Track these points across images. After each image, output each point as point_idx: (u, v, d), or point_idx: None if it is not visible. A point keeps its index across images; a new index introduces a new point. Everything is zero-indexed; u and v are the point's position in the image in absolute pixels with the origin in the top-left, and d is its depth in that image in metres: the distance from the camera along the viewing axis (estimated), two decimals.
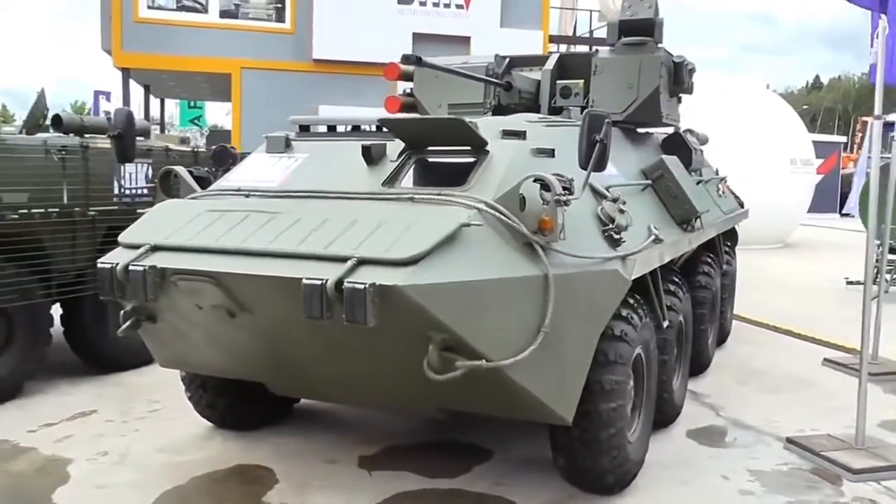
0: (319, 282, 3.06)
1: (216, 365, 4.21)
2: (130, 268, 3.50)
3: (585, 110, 3.83)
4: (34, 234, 5.53)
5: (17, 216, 5.37)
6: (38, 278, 5.56)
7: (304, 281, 3.09)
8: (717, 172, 8.66)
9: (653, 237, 4.53)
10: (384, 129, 4.20)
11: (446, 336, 3.19)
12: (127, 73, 11.00)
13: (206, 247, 3.51)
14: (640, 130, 6.61)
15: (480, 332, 3.24)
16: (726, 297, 7.56)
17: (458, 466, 4.54)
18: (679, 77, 6.13)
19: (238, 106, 11.00)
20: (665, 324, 4.80)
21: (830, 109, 76.15)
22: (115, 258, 3.64)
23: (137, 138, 6.88)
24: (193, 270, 3.42)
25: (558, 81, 6.04)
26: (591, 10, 13.92)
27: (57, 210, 5.67)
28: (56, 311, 6.06)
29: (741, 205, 8.49)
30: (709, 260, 6.64)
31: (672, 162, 5.58)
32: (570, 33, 14.23)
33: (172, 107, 31.47)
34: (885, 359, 7.04)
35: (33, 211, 5.50)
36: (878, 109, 4.61)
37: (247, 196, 4.08)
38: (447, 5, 11.66)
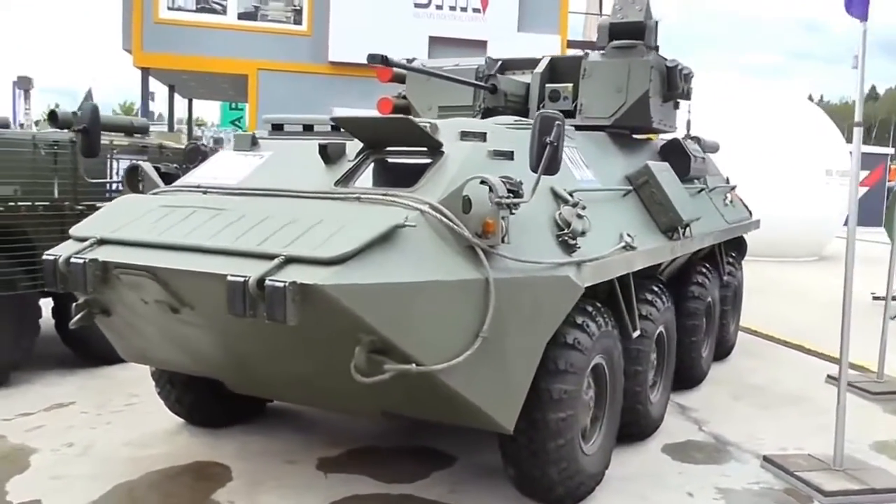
0: (242, 279, 3.03)
1: (172, 360, 4.22)
2: (72, 260, 3.53)
3: (538, 111, 3.73)
4: (21, 226, 5.63)
5: (2, 208, 5.46)
6: (25, 270, 5.64)
7: (229, 278, 3.07)
8: (727, 181, 8.50)
9: (623, 244, 4.43)
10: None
11: (374, 338, 3.13)
12: (146, 73, 11.20)
13: (148, 241, 3.51)
14: (636, 136, 6.50)
15: (411, 335, 3.17)
16: (728, 309, 7.35)
17: (419, 471, 4.47)
18: (673, 82, 5.99)
19: (254, 107, 11.09)
20: (636, 333, 4.67)
21: (885, 121, 74.21)
22: (60, 250, 3.67)
23: (137, 135, 7.02)
24: (130, 264, 3.42)
25: (547, 85, 5.95)
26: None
27: (46, 203, 5.75)
28: (48, 303, 6.16)
29: (751, 214, 8.29)
30: (704, 270, 6.46)
31: (659, 168, 5.45)
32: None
33: (216, 108, 31.92)
34: (892, 377, 6.78)
35: (20, 204, 5.59)
36: (858, 116, 4.42)
37: (204, 193, 4.08)
38: (464, 9, 11.61)
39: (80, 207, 5.92)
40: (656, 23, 5.82)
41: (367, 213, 3.36)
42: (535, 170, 3.56)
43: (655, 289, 5.17)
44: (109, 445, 4.74)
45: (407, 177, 3.84)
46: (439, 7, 11.54)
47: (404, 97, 6.56)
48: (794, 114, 17.19)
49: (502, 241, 3.44)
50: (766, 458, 4.81)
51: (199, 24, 11.08)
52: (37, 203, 5.68)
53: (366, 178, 4.00)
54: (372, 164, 4.07)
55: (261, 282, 3.00)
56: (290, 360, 3.56)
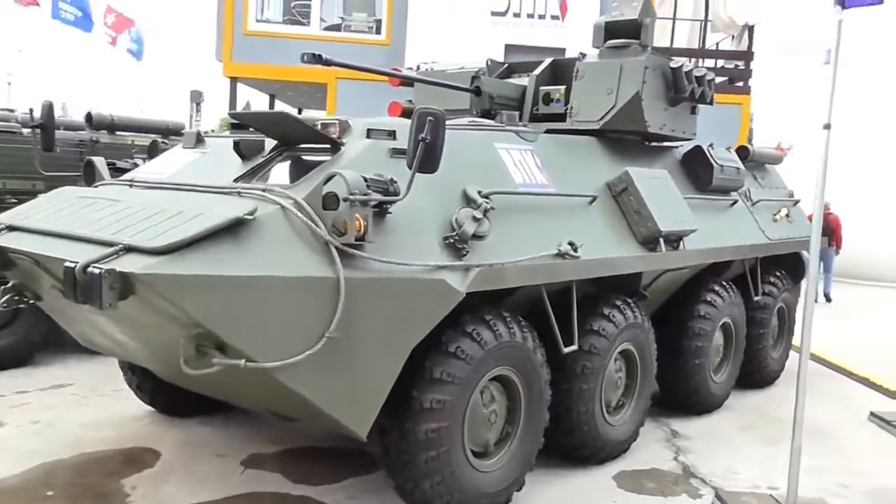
0: (74, 265, 3.12)
1: (104, 346, 4.38)
2: None
3: (417, 109, 3.58)
4: None
5: (16, 200, 5.93)
6: None
7: (66, 263, 3.16)
8: (791, 195, 7.82)
9: (554, 252, 4.17)
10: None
11: (201, 330, 3.12)
12: (234, 83, 11.81)
13: (39, 229, 3.68)
14: (653, 144, 6.11)
15: (241, 329, 3.11)
16: (763, 332, 6.71)
17: (334, 476, 4.40)
18: (679, 84, 5.57)
19: (333, 114, 11.42)
20: (570, 348, 4.36)
21: None
22: None
23: (173, 137, 7.43)
24: (13, 249, 3.61)
25: (541, 87, 5.71)
26: (700, 21, 12.90)
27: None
28: None
29: None
30: (717, 289, 5.92)
31: (642, 176, 5.08)
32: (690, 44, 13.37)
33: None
34: None
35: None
36: (827, 118, 3.90)
37: (130, 186, 4.23)
38: (542, 16, 11.37)
39: None
40: (651, 21, 5.43)
41: (218, 205, 3.36)
42: (409, 167, 3.43)
43: (618, 303, 4.80)
44: (68, 426, 5.00)
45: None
46: (517, 14, 11.38)
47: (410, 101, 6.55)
48: None
49: (363, 240, 3.32)
50: (717, 495, 4.35)
51: (284, 35, 11.56)
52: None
53: (280, 174, 4.00)
54: (289, 161, 4.08)
55: (86, 268, 3.07)
56: (155, 351, 3.62)
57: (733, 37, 12.57)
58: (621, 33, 5.48)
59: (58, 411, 5.28)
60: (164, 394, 5.14)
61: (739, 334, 6.29)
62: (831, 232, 12.12)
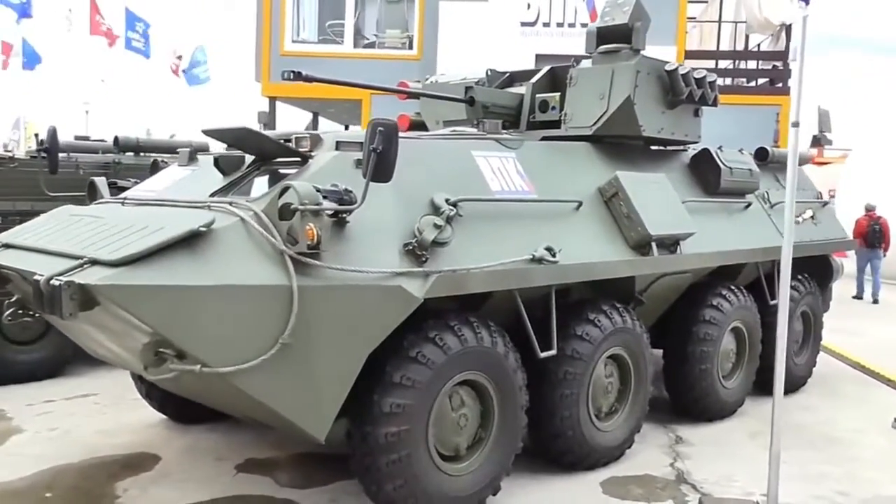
0: (40, 278, 3.32)
1: (101, 355, 4.61)
2: None
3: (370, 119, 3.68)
4: None
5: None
6: None
7: (34, 277, 3.37)
8: (818, 196, 7.63)
9: (527, 257, 4.20)
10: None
11: (158, 337, 3.29)
12: (273, 102, 12.18)
13: (28, 245, 3.92)
14: (655, 148, 6.06)
15: (196, 335, 3.25)
16: None
17: (323, 480, 4.51)
18: (676, 87, 5.53)
19: None
20: (547, 353, 4.36)
21: None
22: None
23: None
24: (3, 266, 3.86)
25: (537, 95, 5.74)
26: (735, 22, 12.62)
27: None
28: None
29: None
30: (724, 292, 5.81)
31: (634, 180, 5.07)
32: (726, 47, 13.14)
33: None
34: None
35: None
36: (793, 115, 3.83)
37: (122, 203, 4.46)
38: (572, 25, 11.33)
39: None
40: (643, 24, 5.40)
41: (181, 219, 3.52)
42: (364, 176, 3.54)
43: (605, 308, 4.78)
44: (84, 432, 5.27)
45: None
46: (546, 24, 11.37)
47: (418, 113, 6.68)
48: None
49: (317, 249, 3.44)
50: (699, 502, 4.28)
51: (320, 54, 11.89)
52: None
53: (259, 188, 4.16)
54: (266, 176, 4.24)
55: (49, 280, 3.27)
56: (135, 358, 3.80)
57: (773, 37, 12.30)
58: (613, 38, 5.48)
59: (77, 419, 5.56)
60: (172, 401, 5.34)
61: (753, 339, 6.14)
62: (880, 235, 11.72)
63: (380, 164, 3.49)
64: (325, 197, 3.46)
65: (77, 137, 8.44)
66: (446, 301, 3.97)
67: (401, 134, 4.19)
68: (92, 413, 5.72)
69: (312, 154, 3.98)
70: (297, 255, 3.40)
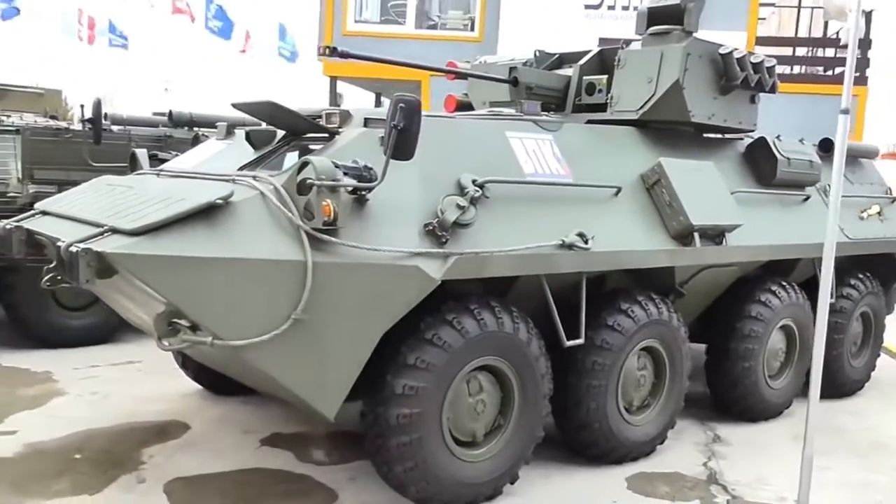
0: (62, 244, 3.38)
1: (135, 322, 4.70)
2: (7, 227, 4.15)
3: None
4: None
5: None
6: None
7: (58, 243, 3.44)
8: (888, 192, 7.24)
9: (558, 242, 4.09)
10: None
11: (172, 308, 3.31)
12: (334, 81, 12.22)
13: (63, 213, 4.01)
14: (710, 136, 5.82)
15: (209, 307, 3.26)
16: (838, 338, 6.21)
17: (343, 457, 4.52)
18: (731, 72, 5.28)
19: (427, 110, 11.60)
20: (574, 342, 4.24)
21: None
22: (12, 221, 4.32)
23: None
24: (32, 230, 3.95)
25: (584, 78, 5.58)
26: (812, 8, 12.00)
27: None
28: None
29: None
30: (773, 288, 5.55)
31: (678, 167, 4.87)
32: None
33: None
34: None
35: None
36: (844, 102, 3.60)
37: (157, 175, 4.53)
38: (637, 8, 11.04)
39: None
40: (697, 4, 5.16)
41: (202, 191, 3.53)
42: (385, 153, 3.49)
43: (641, 298, 4.62)
44: (121, 398, 5.40)
45: None
46: (611, 7, 11.06)
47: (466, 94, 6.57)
48: None
49: (333, 225, 3.40)
50: (728, 503, 4.11)
51: (381, 34, 11.87)
52: None
53: (291, 162, 4.15)
54: (297, 151, 4.24)
55: (69, 247, 3.32)
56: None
57: None
58: (664, 19, 5.27)
59: (118, 385, 5.70)
60: (207, 372, 5.43)
61: (804, 339, 5.86)
62: None
63: (401, 142, 3.43)
64: (345, 173, 3.43)
65: (155, 114, 8.58)
66: (470, 284, 3.90)
67: (435, 113, 4.13)
68: (133, 380, 5.86)
69: (341, 130, 3.94)
70: (313, 231, 3.37)
